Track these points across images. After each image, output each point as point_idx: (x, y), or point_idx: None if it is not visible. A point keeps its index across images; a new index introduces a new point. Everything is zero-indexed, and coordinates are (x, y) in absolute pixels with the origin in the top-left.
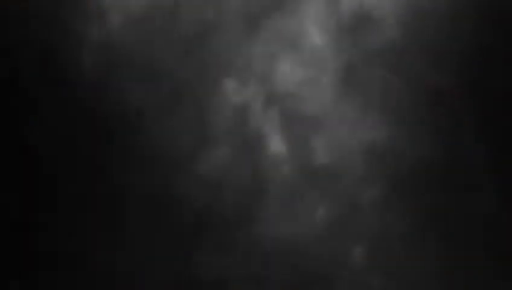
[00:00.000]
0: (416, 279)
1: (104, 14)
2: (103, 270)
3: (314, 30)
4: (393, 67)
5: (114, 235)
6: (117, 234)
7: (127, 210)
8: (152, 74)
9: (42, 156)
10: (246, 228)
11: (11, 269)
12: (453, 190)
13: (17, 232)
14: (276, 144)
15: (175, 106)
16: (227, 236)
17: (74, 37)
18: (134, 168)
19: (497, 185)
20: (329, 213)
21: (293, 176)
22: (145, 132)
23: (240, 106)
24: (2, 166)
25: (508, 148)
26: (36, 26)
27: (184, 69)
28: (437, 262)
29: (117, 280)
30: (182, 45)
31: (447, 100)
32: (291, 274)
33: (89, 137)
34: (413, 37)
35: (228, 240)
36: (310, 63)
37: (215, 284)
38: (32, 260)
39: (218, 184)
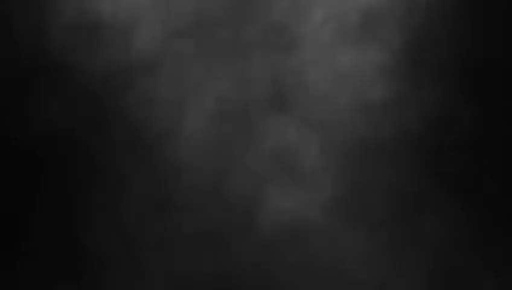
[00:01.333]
0: (416, 278)
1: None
2: (103, 270)
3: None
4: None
5: (113, 235)
6: (116, 234)
7: (127, 210)
8: (151, 74)
9: (42, 156)
10: (245, 226)
11: (10, 268)
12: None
13: (17, 232)
14: (276, 137)
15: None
16: (226, 236)
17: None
18: (134, 168)
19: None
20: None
21: (294, 169)
22: (145, 132)
23: (238, 100)
24: (2, 166)
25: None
26: (33, 26)
27: (183, 66)
28: (437, 261)
29: (117, 280)
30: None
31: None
32: (291, 273)
33: (89, 137)
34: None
35: (227, 239)
36: (307, 52)
37: (216, 284)
38: (31, 260)
39: (217, 183)
